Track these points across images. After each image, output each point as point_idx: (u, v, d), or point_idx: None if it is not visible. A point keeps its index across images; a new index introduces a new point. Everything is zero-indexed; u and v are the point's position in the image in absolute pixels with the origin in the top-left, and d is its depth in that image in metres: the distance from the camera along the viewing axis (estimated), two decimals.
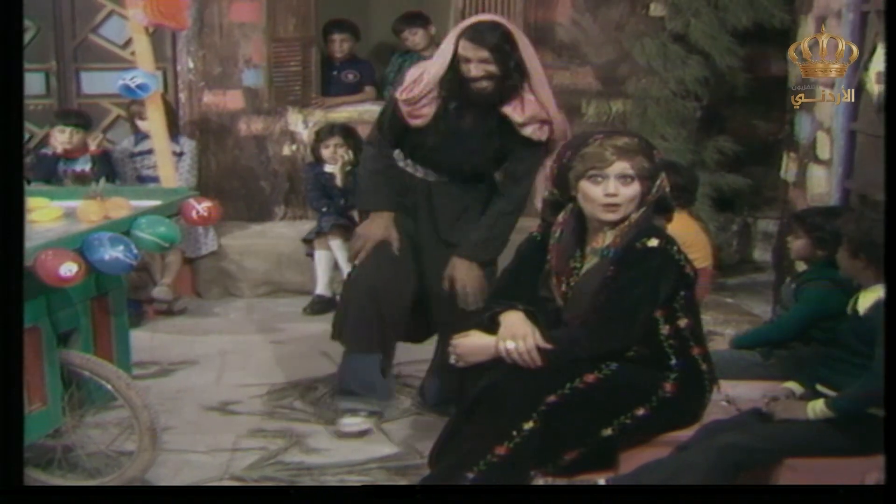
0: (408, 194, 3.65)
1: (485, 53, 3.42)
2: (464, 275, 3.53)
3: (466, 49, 3.44)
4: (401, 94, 3.55)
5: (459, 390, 3.25)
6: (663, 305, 2.86)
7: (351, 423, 3.62)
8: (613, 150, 2.84)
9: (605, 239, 2.90)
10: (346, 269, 5.15)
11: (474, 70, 3.44)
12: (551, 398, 2.79)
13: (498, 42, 3.43)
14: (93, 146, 5.28)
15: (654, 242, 2.81)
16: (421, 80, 3.53)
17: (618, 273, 2.83)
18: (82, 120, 5.36)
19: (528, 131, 3.52)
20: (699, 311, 3.05)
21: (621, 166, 2.84)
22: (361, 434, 3.60)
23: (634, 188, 2.85)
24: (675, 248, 2.85)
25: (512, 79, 3.47)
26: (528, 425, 2.77)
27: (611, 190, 2.84)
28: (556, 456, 2.82)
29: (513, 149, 3.58)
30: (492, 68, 3.43)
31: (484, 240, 3.59)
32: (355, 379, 3.62)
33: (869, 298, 2.91)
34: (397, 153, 3.67)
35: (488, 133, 3.55)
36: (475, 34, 3.44)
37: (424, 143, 3.59)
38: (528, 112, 3.51)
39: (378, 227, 3.59)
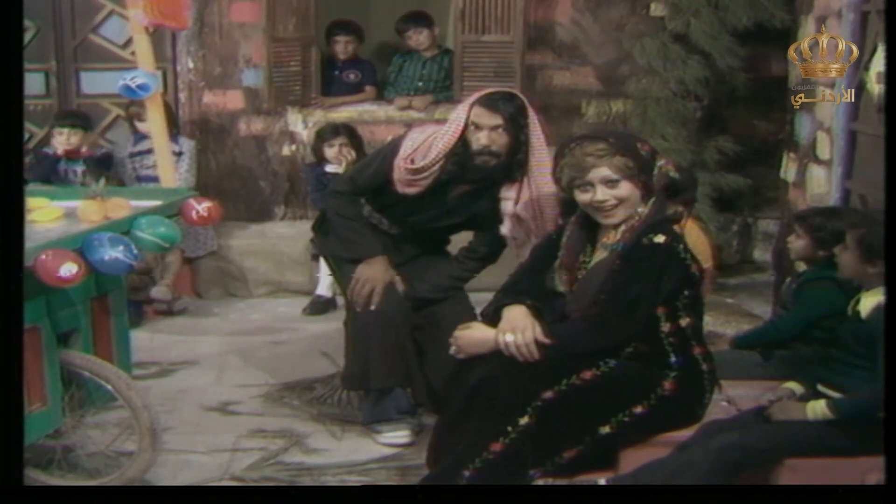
0: None
1: (499, 120, 3.37)
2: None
3: (480, 116, 3.39)
4: (406, 163, 3.49)
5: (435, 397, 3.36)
6: (665, 303, 2.86)
7: (396, 435, 3.57)
8: (590, 158, 2.85)
9: (616, 235, 2.91)
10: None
11: (484, 139, 3.38)
12: (547, 394, 2.80)
13: (513, 112, 3.39)
14: (84, 147, 5.27)
15: (660, 239, 2.82)
16: (429, 150, 3.46)
17: (622, 268, 2.84)
18: (80, 121, 5.35)
19: (509, 224, 3.52)
20: (702, 311, 3.05)
21: (602, 171, 2.85)
22: (406, 445, 3.56)
23: (625, 188, 2.86)
24: (682, 246, 2.86)
25: (519, 153, 3.42)
26: (524, 420, 2.78)
27: (598, 197, 2.86)
28: (555, 454, 2.82)
29: (489, 228, 3.60)
30: (502, 139, 3.39)
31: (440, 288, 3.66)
32: (392, 409, 3.58)
33: (871, 301, 2.90)
34: (362, 202, 3.69)
35: (470, 207, 3.58)
36: (490, 102, 3.41)
37: (400, 204, 3.61)
38: (523, 210, 3.48)
39: (378, 270, 3.56)
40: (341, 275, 3.76)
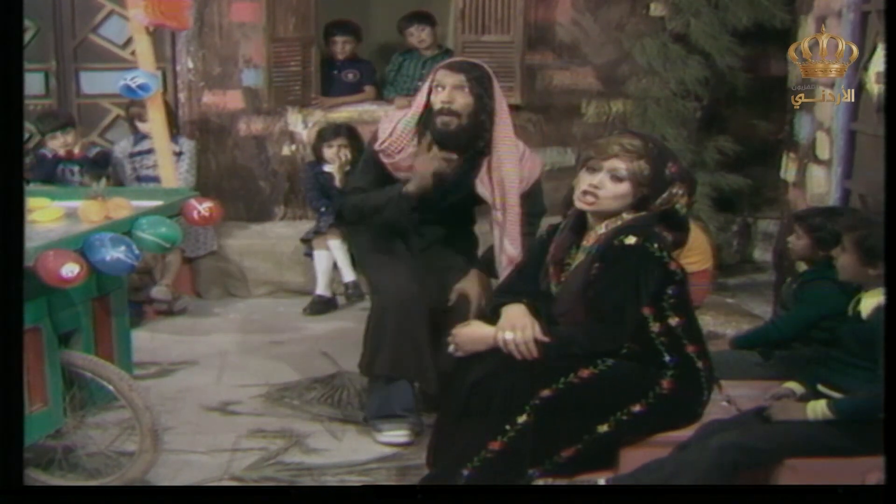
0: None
1: (460, 79, 3.42)
2: (479, 287, 3.57)
3: (444, 76, 3.45)
4: (379, 146, 3.55)
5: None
6: (650, 303, 2.86)
7: (395, 434, 3.56)
8: (617, 147, 2.86)
9: (595, 237, 2.92)
10: (345, 269, 5.16)
11: (445, 95, 3.42)
12: (545, 392, 2.80)
13: (477, 75, 3.44)
14: (76, 149, 5.27)
15: (631, 240, 2.81)
16: (395, 128, 3.53)
17: (599, 272, 2.84)
18: (66, 119, 5.34)
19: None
20: (692, 309, 3.04)
21: (616, 164, 2.85)
22: (405, 445, 3.55)
23: (622, 188, 2.86)
24: (656, 245, 2.83)
25: (484, 113, 3.45)
26: (522, 419, 2.78)
27: (595, 181, 2.86)
28: (553, 452, 2.82)
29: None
30: (464, 99, 3.43)
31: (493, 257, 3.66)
32: (397, 404, 3.57)
33: (871, 302, 2.90)
34: None
35: (466, 180, 3.59)
36: (455, 63, 3.50)
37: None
38: (480, 187, 3.55)
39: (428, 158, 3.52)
40: (367, 266, 3.79)
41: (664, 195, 2.90)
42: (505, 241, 3.55)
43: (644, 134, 3.01)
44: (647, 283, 2.82)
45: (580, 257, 2.94)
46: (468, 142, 3.51)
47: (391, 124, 3.59)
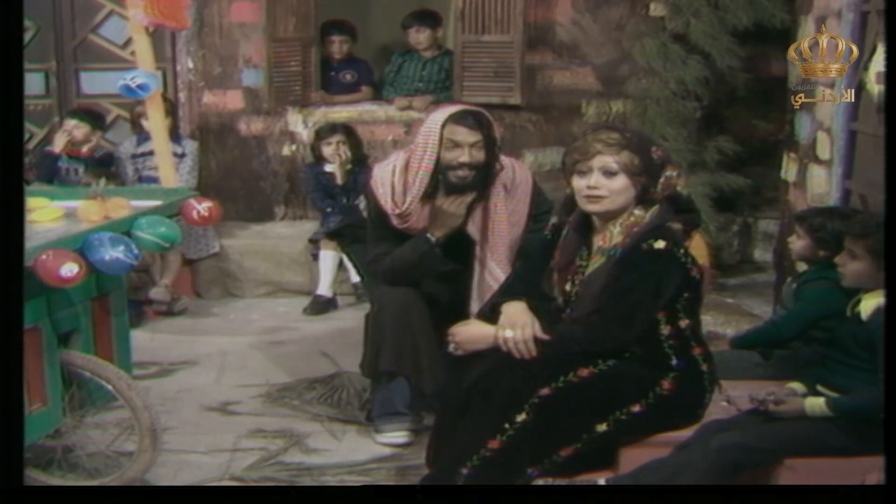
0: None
1: (478, 137, 3.42)
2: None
3: (460, 134, 3.42)
4: (394, 211, 3.51)
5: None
6: (665, 307, 2.85)
7: (396, 436, 3.57)
8: (597, 144, 2.85)
9: (613, 238, 2.89)
10: (352, 268, 5.16)
11: (465, 157, 3.41)
12: (544, 391, 2.80)
13: (488, 127, 3.46)
14: (84, 148, 5.27)
15: (660, 244, 2.80)
16: (409, 189, 3.47)
17: (622, 273, 2.82)
18: (88, 117, 5.36)
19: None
20: (699, 311, 3.04)
21: (604, 160, 2.84)
22: (404, 445, 3.56)
23: (620, 182, 2.85)
24: (682, 250, 2.84)
25: (493, 168, 3.48)
26: (521, 417, 2.78)
27: (591, 182, 2.85)
28: (552, 452, 2.82)
29: None
30: (481, 154, 3.44)
31: None
32: (399, 401, 3.56)
33: (872, 303, 2.89)
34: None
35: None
36: (467, 118, 3.45)
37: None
38: (471, 226, 3.54)
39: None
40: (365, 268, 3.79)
41: (661, 180, 2.89)
42: (491, 265, 3.52)
43: (616, 126, 3.00)
44: (667, 289, 2.82)
45: (599, 259, 2.92)
46: (476, 188, 3.51)
47: (387, 183, 3.53)
